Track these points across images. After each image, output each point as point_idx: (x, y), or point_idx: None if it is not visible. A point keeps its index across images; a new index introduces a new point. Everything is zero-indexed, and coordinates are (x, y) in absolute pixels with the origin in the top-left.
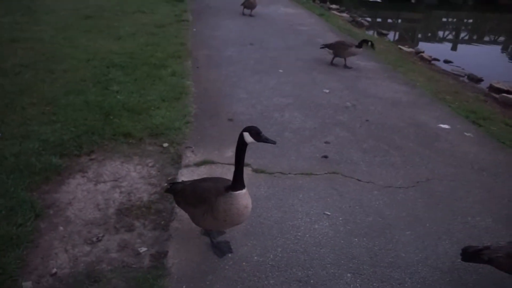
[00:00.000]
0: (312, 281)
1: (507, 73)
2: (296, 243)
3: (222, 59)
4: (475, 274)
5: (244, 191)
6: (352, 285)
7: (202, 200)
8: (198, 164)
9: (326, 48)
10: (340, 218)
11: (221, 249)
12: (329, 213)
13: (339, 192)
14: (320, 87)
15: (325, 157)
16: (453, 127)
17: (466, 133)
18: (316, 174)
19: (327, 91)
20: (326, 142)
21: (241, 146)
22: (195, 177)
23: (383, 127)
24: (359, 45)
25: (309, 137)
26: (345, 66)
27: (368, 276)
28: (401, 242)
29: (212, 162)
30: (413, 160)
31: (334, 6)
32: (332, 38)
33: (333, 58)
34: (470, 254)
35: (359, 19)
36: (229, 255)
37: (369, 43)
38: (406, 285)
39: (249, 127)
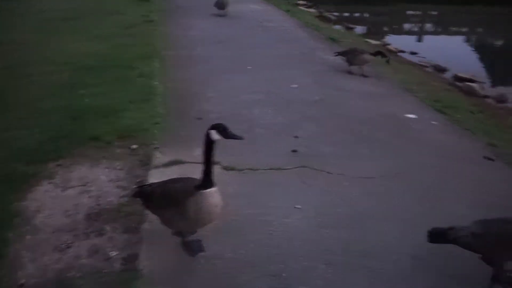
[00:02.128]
0: (285, 274)
1: (470, 63)
2: (268, 238)
3: (191, 59)
4: (449, 259)
5: (214, 189)
6: (325, 276)
7: (171, 202)
8: (168, 165)
9: (340, 56)
10: (312, 211)
11: (193, 248)
12: (300, 207)
13: (310, 186)
14: (289, 82)
15: (295, 151)
16: (420, 116)
17: (433, 122)
18: (287, 169)
19: (296, 86)
20: (295, 137)
21: (208, 144)
22: (165, 178)
23: (352, 120)
24: (375, 54)
25: (278, 133)
26: (353, 73)
27: (341, 267)
28: (373, 231)
29: (182, 162)
30: (382, 150)
31: (301, 1)
32: (300, 34)
33: (350, 67)
34: (436, 235)
35: (326, 13)
36: (201, 253)
37: (386, 59)
38: (378, 273)
39: (215, 124)
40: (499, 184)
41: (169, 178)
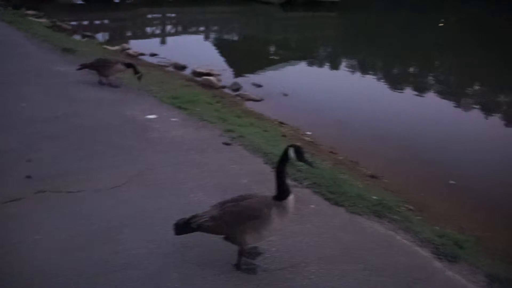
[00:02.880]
0: None
1: (207, 58)
2: (7, 282)
3: None
4: (195, 248)
5: None
6: None
7: None
8: None
9: (87, 69)
10: (56, 238)
11: None
12: (41, 237)
13: (52, 211)
14: (18, 102)
15: (29, 177)
16: (160, 115)
17: (172, 119)
18: (23, 198)
19: (25, 105)
20: (28, 161)
21: None
22: None
23: (93, 131)
24: (127, 65)
25: (8, 160)
26: (110, 85)
27: (100, 286)
28: (121, 242)
29: None
30: (125, 156)
31: (30, 12)
32: (30, 48)
33: (101, 78)
34: (181, 226)
35: (61, 23)
36: None
37: (138, 76)
38: (133, 281)
39: None
40: (235, 164)
41: None
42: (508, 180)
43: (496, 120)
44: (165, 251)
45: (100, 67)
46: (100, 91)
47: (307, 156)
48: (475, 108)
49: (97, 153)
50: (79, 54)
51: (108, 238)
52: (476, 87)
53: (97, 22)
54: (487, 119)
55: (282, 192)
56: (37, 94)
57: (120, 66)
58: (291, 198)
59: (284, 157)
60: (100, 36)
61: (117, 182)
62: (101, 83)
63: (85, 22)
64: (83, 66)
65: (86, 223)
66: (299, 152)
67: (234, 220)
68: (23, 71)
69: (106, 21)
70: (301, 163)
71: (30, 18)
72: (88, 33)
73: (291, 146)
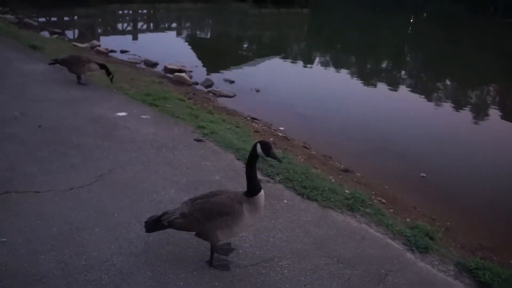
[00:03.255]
0: None
1: (179, 55)
2: None
3: None
4: (167, 245)
5: None
6: None
7: None
8: None
9: (58, 65)
10: (20, 240)
11: None
12: (5, 240)
13: (16, 212)
14: None
15: None
16: (130, 113)
17: (143, 116)
18: None
19: None
20: None
21: None
22: None
23: (60, 130)
24: (101, 66)
25: None
26: (79, 83)
27: None
28: (91, 241)
29: None
30: (94, 155)
31: None
32: None
33: (71, 75)
34: (152, 224)
35: (28, 20)
36: None
37: (110, 77)
38: (103, 282)
39: None
40: (207, 161)
41: None
42: (476, 172)
43: (465, 114)
44: (137, 249)
45: (72, 64)
46: (69, 89)
47: (275, 151)
48: (445, 102)
49: (65, 152)
50: (48, 51)
51: (79, 238)
52: (447, 82)
53: (66, 18)
54: (457, 113)
55: (252, 188)
56: (2, 94)
57: (93, 66)
58: (261, 193)
59: (253, 153)
60: (70, 33)
61: (87, 181)
62: (71, 81)
63: (54, 19)
64: (55, 61)
65: (55, 224)
66: (266, 147)
67: (205, 217)
68: None
69: (75, 18)
70: (271, 159)
71: None
72: (57, 30)
73: (258, 142)
